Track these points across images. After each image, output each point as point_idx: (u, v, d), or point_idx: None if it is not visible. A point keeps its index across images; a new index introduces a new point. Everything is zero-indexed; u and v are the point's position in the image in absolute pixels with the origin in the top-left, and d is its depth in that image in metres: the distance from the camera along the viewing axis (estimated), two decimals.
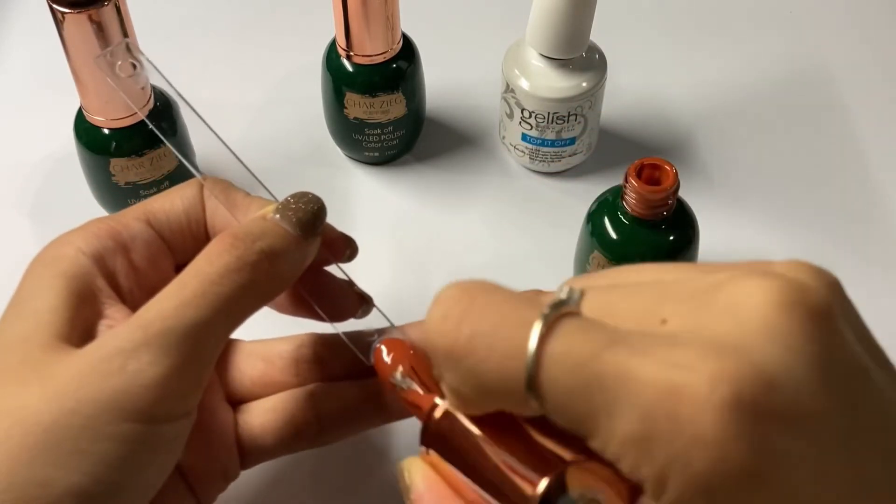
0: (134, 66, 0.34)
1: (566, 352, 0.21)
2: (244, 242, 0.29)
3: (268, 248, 0.29)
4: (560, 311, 0.21)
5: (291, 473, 0.43)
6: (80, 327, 0.29)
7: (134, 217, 0.33)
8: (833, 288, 0.22)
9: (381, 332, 0.34)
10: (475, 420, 0.25)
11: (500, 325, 0.22)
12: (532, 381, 0.21)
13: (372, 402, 0.34)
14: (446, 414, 0.26)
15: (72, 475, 0.26)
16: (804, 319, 0.20)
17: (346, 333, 0.34)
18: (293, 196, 0.32)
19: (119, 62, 0.34)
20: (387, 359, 0.31)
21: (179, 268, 0.33)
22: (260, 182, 0.34)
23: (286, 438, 0.34)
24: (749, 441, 0.19)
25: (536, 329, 0.21)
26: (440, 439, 0.26)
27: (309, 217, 0.31)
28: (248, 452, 0.34)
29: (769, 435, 0.19)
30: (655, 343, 0.20)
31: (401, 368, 0.30)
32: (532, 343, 0.21)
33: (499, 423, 0.24)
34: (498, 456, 0.24)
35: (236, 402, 0.35)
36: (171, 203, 0.33)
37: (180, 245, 0.34)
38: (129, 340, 0.27)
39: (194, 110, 0.34)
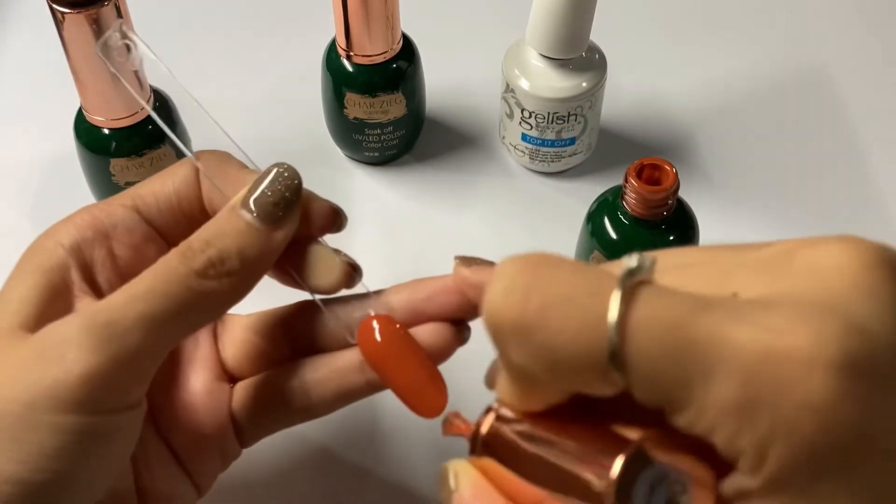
0: (128, 49, 0.34)
1: (654, 317, 0.19)
2: (193, 253, 0.29)
3: (215, 256, 0.29)
4: (636, 279, 0.20)
5: (291, 472, 0.43)
6: (49, 319, 0.29)
7: (120, 203, 0.33)
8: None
9: (362, 296, 0.33)
10: (528, 418, 0.23)
11: (574, 293, 0.20)
12: (615, 351, 0.19)
13: (358, 373, 0.33)
14: (493, 427, 0.25)
15: (9, 464, 0.26)
16: (893, 277, 0.20)
17: (332, 309, 0.33)
18: (269, 177, 0.31)
19: (118, 45, 0.34)
20: (376, 334, 0.31)
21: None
22: None
23: (277, 415, 0.34)
24: (860, 403, 0.18)
25: (616, 296, 0.20)
26: (491, 450, 0.25)
27: (276, 207, 0.30)
28: (242, 431, 0.34)
29: (878, 396, 0.18)
30: (747, 306, 0.19)
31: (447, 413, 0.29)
32: (614, 310, 0.19)
33: (553, 421, 0.23)
34: (560, 450, 0.23)
35: (234, 378, 0.35)
36: (161, 185, 0.33)
37: (172, 227, 0.33)
38: (73, 329, 0.27)
39: (189, 94, 0.34)
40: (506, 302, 0.21)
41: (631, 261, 0.20)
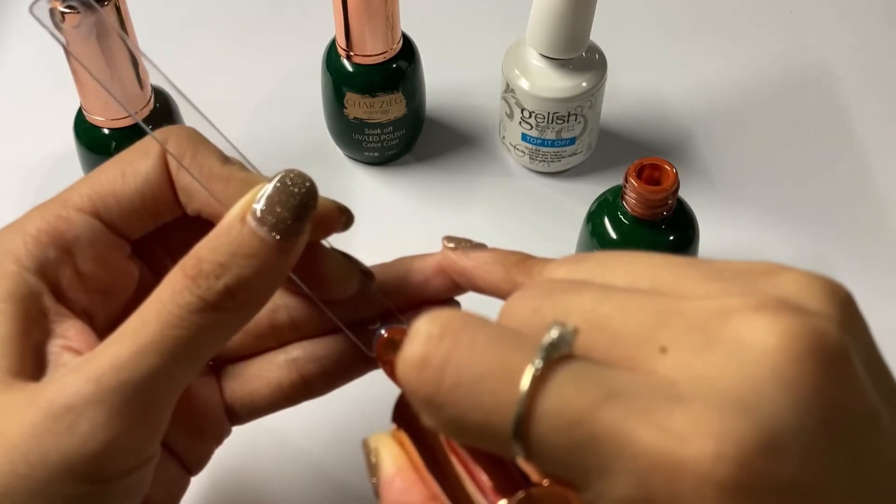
0: (74, 9, 0.30)
1: (558, 410, 0.19)
2: (206, 279, 0.26)
3: (233, 284, 0.26)
4: (552, 358, 0.20)
5: (292, 470, 0.43)
6: (33, 355, 0.28)
7: (77, 206, 0.30)
8: (847, 313, 0.21)
9: (365, 294, 0.32)
10: None
11: (487, 375, 0.20)
12: (520, 433, 0.20)
13: (353, 355, 0.33)
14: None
15: None
16: (817, 371, 0.19)
17: (344, 320, 0.32)
18: (278, 185, 0.27)
19: (60, 9, 0.30)
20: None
21: (136, 245, 0.32)
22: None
23: (275, 401, 0.33)
24: None
25: (526, 381, 0.20)
26: (412, 420, 0.24)
27: (295, 221, 0.27)
28: (239, 416, 0.34)
29: None
30: (655, 397, 0.19)
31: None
32: (521, 398, 0.20)
33: None
34: (462, 459, 0.23)
35: (217, 365, 0.34)
36: (122, 182, 0.30)
37: (137, 225, 0.31)
38: (80, 396, 0.25)
39: (181, 93, 0.33)
40: (419, 377, 0.21)
41: (552, 333, 0.20)
